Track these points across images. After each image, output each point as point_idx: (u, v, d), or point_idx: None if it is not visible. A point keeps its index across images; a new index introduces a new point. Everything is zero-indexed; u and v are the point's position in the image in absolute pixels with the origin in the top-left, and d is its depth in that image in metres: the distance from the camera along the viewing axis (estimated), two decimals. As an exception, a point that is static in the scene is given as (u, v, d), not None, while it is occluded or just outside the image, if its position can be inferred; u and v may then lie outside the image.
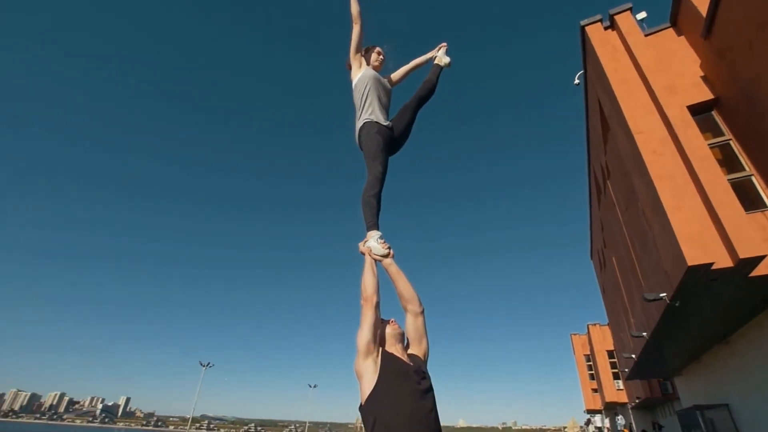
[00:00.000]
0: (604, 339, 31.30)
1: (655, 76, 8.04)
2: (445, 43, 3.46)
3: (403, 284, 2.19)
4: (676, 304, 7.38)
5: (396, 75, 3.40)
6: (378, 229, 2.46)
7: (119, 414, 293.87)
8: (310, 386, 68.74)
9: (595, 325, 33.34)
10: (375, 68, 3.20)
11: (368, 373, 1.77)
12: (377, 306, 1.99)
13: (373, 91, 2.98)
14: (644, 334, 10.34)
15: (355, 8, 3.12)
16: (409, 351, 2.02)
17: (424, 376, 1.82)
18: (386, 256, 2.28)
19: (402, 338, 2.04)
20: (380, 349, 1.89)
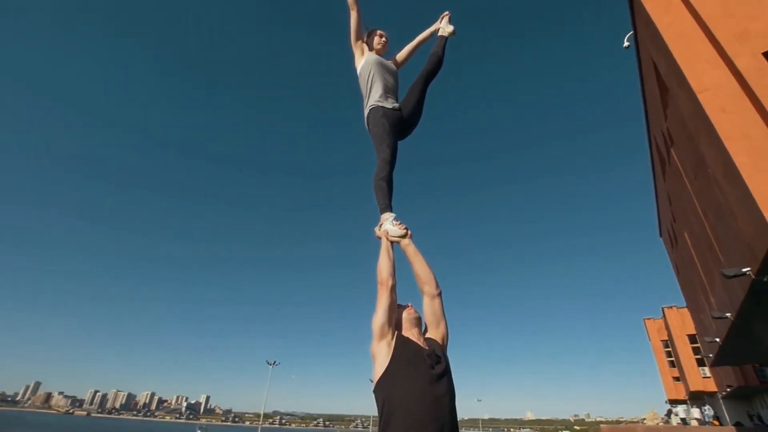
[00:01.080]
0: (683, 323, 28.63)
1: (721, 24, 7.10)
2: (447, 12, 3.33)
3: (420, 265, 2.15)
4: (765, 279, 6.51)
5: (401, 54, 3.34)
6: (391, 210, 2.43)
7: (201, 411, 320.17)
8: (371, 381, 70.05)
9: (671, 307, 30.58)
10: (378, 52, 3.16)
11: (381, 355, 1.79)
12: (393, 289, 2.00)
13: (377, 76, 2.93)
14: (728, 315, 9.27)
15: None
16: (427, 335, 1.99)
17: (439, 360, 1.77)
18: (404, 236, 2.25)
19: (418, 323, 2.02)
20: (396, 332, 1.90)
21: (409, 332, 1.95)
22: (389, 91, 2.95)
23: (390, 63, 3.15)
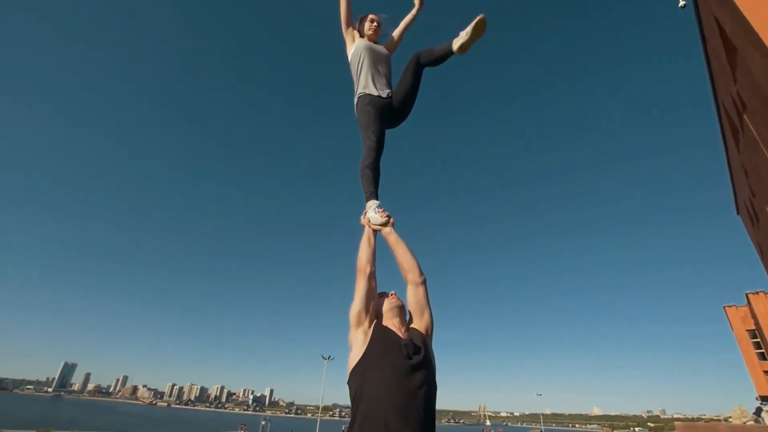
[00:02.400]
0: (772, 309, 25.50)
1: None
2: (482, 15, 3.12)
3: (402, 252, 2.09)
4: None
5: (396, 33, 3.28)
6: (376, 198, 2.40)
7: (266, 403, 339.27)
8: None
9: (757, 293, 27.33)
10: (370, 38, 3.11)
11: (357, 344, 1.76)
12: (371, 276, 1.98)
13: (366, 63, 2.88)
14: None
15: None
16: (412, 325, 1.93)
17: (418, 351, 1.69)
18: (385, 224, 2.21)
19: (401, 312, 1.95)
20: (375, 321, 1.86)
21: (391, 321, 1.90)
22: (380, 77, 2.89)
23: (381, 48, 3.08)
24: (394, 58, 3.27)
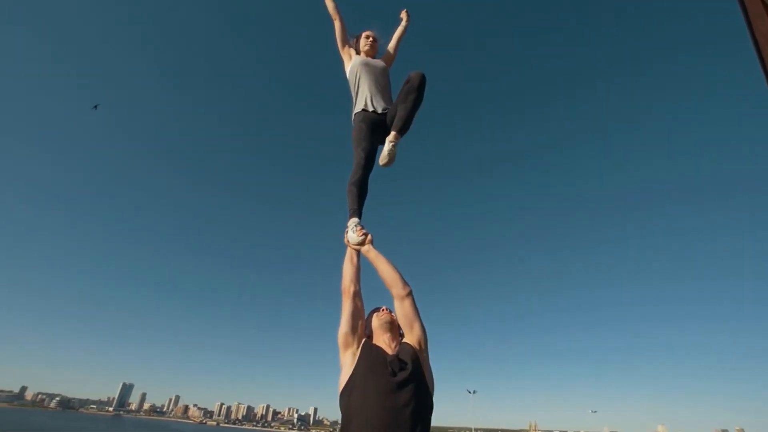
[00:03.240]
0: None
1: None
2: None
3: (383, 268, 2.06)
4: None
5: (391, 47, 3.38)
6: (358, 216, 2.37)
7: (311, 422, 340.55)
8: (470, 392, 67.86)
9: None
10: (367, 53, 3.16)
11: (345, 366, 1.74)
12: (355, 296, 1.96)
13: (363, 79, 2.92)
14: None
15: (330, 4, 3.18)
16: (404, 340, 1.88)
17: (404, 366, 1.64)
18: (361, 243, 2.17)
19: (390, 327, 1.92)
20: (364, 340, 1.83)
21: (381, 338, 1.87)
22: (378, 91, 2.91)
23: (378, 62, 3.12)
24: (396, 66, 3.36)
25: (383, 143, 2.71)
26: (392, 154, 2.56)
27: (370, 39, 3.20)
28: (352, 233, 2.22)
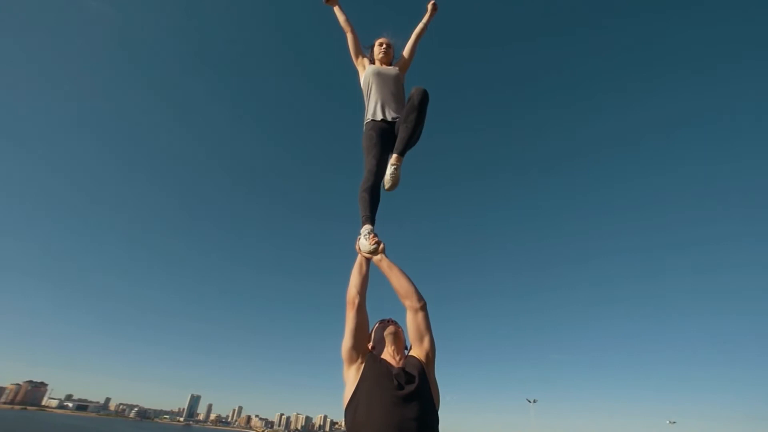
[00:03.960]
0: None
1: None
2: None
3: (396, 279, 1.98)
4: None
5: (406, 52, 3.25)
6: (371, 223, 2.30)
7: None
8: (529, 401, 64.66)
9: None
10: (381, 61, 3.15)
11: (349, 381, 1.69)
12: (359, 309, 1.86)
13: (375, 88, 2.91)
14: None
15: (341, 17, 3.20)
16: (411, 352, 1.84)
17: (411, 380, 1.59)
18: (373, 252, 2.08)
19: (395, 339, 1.87)
20: (369, 354, 1.78)
21: (386, 350, 1.83)
22: (389, 100, 2.88)
23: (390, 69, 3.06)
24: (412, 68, 3.27)
25: (392, 150, 2.68)
26: (395, 178, 2.50)
27: (384, 46, 3.18)
28: (365, 240, 2.15)
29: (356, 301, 1.88)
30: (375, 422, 1.47)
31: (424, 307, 1.88)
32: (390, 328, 1.91)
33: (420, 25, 3.29)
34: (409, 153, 2.67)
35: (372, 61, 3.19)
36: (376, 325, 2.00)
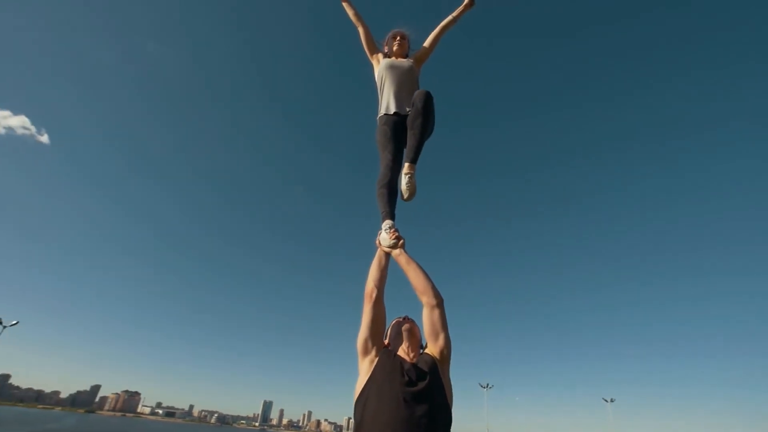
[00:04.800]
0: None
1: None
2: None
3: (414, 274, 1.98)
4: None
5: (427, 43, 3.12)
6: (391, 218, 2.31)
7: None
8: (606, 400, 60.23)
9: None
10: (397, 54, 3.07)
11: (362, 373, 1.71)
12: (377, 302, 1.88)
13: (388, 82, 2.86)
14: None
15: (350, 11, 3.14)
16: (426, 350, 1.83)
17: (423, 377, 1.59)
18: (393, 246, 2.10)
19: (410, 335, 1.89)
20: (384, 349, 1.80)
21: (400, 347, 1.85)
22: (402, 93, 2.81)
23: (404, 61, 2.98)
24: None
25: (407, 144, 2.63)
26: (411, 187, 2.42)
27: (398, 38, 3.10)
28: (385, 235, 2.17)
29: (374, 295, 1.90)
30: (384, 418, 1.47)
31: (440, 304, 1.87)
32: (405, 325, 1.94)
33: (449, 18, 3.11)
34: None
35: (387, 55, 3.12)
36: (393, 322, 2.03)
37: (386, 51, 3.15)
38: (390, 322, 2.04)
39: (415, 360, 1.74)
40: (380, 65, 2.99)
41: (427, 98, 2.46)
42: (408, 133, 2.53)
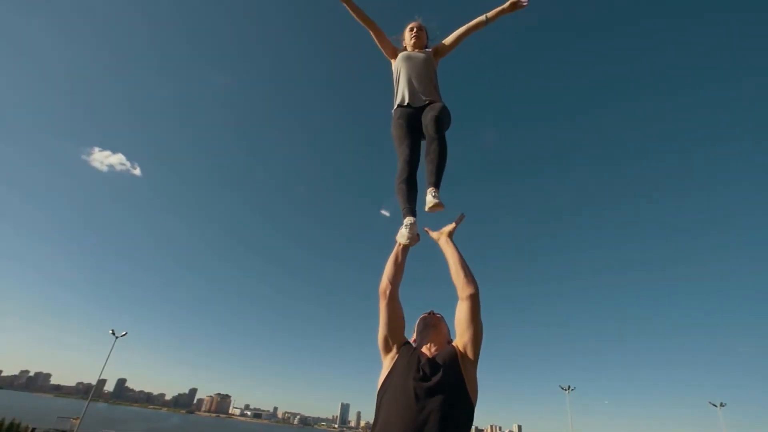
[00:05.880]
0: None
1: None
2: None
3: (452, 263, 1.91)
4: None
5: (449, 39, 2.94)
6: (412, 214, 2.23)
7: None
8: (715, 405, 53.13)
9: None
10: (414, 45, 2.92)
11: (384, 370, 1.70)
12: (391, 299, 1.82)
13: (402, 74, 2.76)
14: None
15: (354, 13, 2.88)
16: (453, 343, 1.75)
17: (438, 371, 1.52)
18: (411, 243, 2.06)
19: (432, 330, 1.85)
20: (405, 344, 1.76)
21: (423, 342, 1.81)
22: (418, 84, 2.70)
23: (420, 53, 2.85)
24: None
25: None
26: (438, 206, 2.22)
27: (414, 30, 2.96)
28: (404, 230, 2.10)
29: (388, 292, 1.84)
30: (395, 412, 1.45)
31: (470, 297, 1.74)
32: (428, 319, 1.92)
33: (482, 17, 2.84)
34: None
35: (405, 49, 2.97)
36: (420, 317, 1.99)
37: (404, 45, 3.02)
38: (417, 318, 2.00)
39: (434, 354, 1.66)
40: (397, 58, 2.88)
41: (438, 122, 2.38)
42: (426, 159, 2.40)
